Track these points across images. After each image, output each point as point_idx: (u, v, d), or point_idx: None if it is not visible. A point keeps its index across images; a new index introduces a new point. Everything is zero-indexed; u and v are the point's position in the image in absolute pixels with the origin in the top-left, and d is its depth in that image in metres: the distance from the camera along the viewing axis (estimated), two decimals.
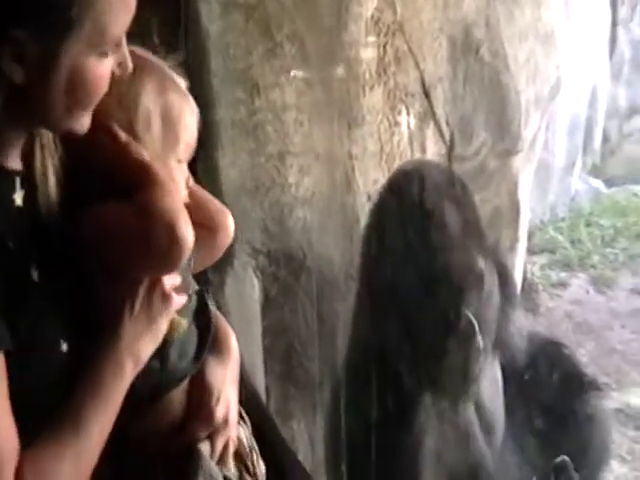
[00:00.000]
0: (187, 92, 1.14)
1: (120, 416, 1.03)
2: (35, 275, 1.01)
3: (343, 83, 2.39)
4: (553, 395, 2.53)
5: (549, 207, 5.43)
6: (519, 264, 3.76)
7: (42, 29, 0.92)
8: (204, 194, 1.20)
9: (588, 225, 5.30)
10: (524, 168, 3.51)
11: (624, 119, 6.61)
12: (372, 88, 2.48)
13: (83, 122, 1.01)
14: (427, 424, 2.12)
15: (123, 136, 1.06)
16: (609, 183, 5.99)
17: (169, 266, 1.05)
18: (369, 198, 2.40)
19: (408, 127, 2.64)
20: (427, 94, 2.72)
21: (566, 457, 2.33)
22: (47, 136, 1.05)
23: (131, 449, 1.09)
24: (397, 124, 2.59)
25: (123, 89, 1.06)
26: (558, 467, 2.34)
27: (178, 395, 1.11)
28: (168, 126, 1.10)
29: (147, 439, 1.09)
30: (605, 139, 6.46)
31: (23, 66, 0.93)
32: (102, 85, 1.00)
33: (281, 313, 2.23)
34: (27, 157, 1.04)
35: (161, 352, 1.08)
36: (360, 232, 2.35)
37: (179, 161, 1.12)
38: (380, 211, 2.27)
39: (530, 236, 4.50)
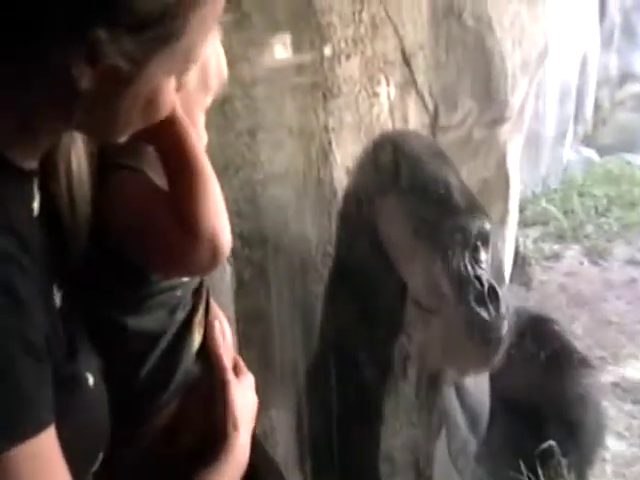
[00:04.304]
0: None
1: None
2: (57, 299, 0.86)
3: (316, 53, 2.27)
4: (542, 374, 2.44)
5: (541, 178, 5.35)
6: (510, 237, 3.67)
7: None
8: None
9: (581, 195, 5.23)
10: (513, 137, 3.41)
11: (615, 87, 6.54)
12: (348, 57, 2.36)
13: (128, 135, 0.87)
14: (399, 406, 2.05)
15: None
16: (601, 152, 5.92)
17: (203, 275, 1.05)
18: (348, 173, 2.29)
19: (388, 98, 2.53)
20: (407, 62, 2.61)
21: (553, 442, 2.24)
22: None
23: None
24: (376, 95, 2.47)
25: None
26: (544, 453, 2.26)
27: None
28: (203, 78, 1.05)
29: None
30: (597, 107, 6.38)
31: (95, 72, 0.75)
32: (169, 108, 0.86)
33: (256, 298, 2.12)
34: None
35: (179, 363, 1.06)
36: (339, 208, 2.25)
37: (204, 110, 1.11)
38: (354, 184, 2.17)
39: (522, 208, 4.41)
